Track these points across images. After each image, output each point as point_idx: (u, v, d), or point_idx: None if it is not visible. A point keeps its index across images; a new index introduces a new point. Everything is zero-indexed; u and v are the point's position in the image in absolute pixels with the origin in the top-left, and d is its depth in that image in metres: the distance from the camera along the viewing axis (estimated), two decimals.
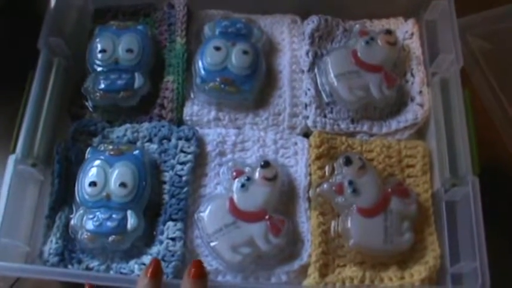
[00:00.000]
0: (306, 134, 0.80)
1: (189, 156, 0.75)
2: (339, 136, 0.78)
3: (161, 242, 0.71)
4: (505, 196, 0.83)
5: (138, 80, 0.78)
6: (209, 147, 0.77)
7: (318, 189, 0.74)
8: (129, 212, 0.70)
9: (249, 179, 0.73)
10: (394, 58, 0.82)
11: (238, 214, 0.71)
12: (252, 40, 0.82)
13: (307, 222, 0.74)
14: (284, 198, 0.75)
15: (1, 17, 0.91)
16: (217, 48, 0.80)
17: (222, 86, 0.78)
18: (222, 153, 0.78)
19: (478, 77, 0.89)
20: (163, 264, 0.68)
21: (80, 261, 0.71)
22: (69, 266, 0.70)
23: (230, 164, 0.75)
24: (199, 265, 0.61)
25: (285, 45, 0.85)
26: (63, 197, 0.74)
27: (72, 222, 0.72)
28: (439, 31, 0.81)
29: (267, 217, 0.71)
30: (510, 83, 0.88)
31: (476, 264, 0.66)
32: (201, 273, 0.60)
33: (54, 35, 0.79)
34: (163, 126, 0.77)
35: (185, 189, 0.74)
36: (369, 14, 0.88)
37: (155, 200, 0.74)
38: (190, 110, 0.80)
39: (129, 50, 0.80)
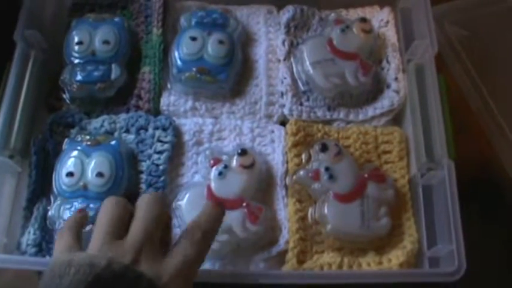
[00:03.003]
0: (283, 123, 0.80)
1: (166, 146, 0.76)
2: (316, 124, 0.79)
3: None
4: (481, 180, 0.83)
5: (115, 71, 0.79)
6: (186, 137, 0.78)
7: (294, 177, 0.74)
8: None
9: (226, 166, 0.73)
10: (370, 46, 0.82)
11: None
12: (228, 30, 0.82)
13: (285, 210, 0.74)
14: (261, 186, 0.75)
15: None
16: (193, 39, 0.80)
17: (198, 75, 0.78)
18: (199, 143, 0.78)
19: (456, 63, 0.89)
20: None
21: None
22: (47, 257, 0.70)
23: (208, 152, 0.75)
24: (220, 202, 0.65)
25: (261, 35, 0.86)
26: (40, 188, 0.74)
27: (49, 213, 0.72)
28: (414, 18, 0.82)
29: (244, 204, 0.71)
30: (487, 69, 0.89)
31: (452, 247, 0.66)
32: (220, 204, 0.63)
33: (31, 28, 0.79)
34: (140, 117, 0.77)
35: (162, 178, 0.74)
36: (344, 3, 0.88)
37: (132, 190, 0.74)
38: (167, 100, 0.80)
39: (106, 42, 0.80)
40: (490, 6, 0.93)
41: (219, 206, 0.62)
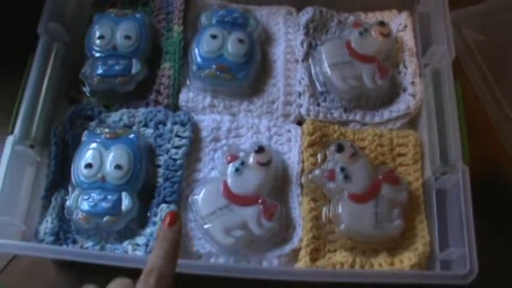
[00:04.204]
0: (300, 122, 0.81)
1: (184, 141, 0.77)
2: (332, 124, 0.79)
3: (155, 223, 0.72)
4: (495, 185, 0.84)
5: (135, 66, 0.80)
6: (204, 133, 0.79)
7: (310, 176, 0.75)
8: (123, 194, 0.72)
9: (243, 163, 0.74)
10: (388, 49, 0.83)
11: (232, 198, 0.72)
12: (248, 29, 0.83)
13: (299, 208, 0.75)
14: (277, 184, 0.76)
15: (4, 2, 0.93)
16: (214, 36, 0.81)
17: (218, 73, 0.79)
18: (216, 139, 0.79)
19: (473, 68, 0.89)
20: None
21: (74, 241, 0.72)
22: (64, 246, 0.71)
23: (225, 148, 0.76)
24: (173, 214, 0.61)
25: (280, 36, 0.87)
26: (59, 178, 0.75)
27: (67, 203, 0.73)
28: (432, 23, 0.82)
29: (260, 201, 0.72)
30: (504, 75, 0.89)
31: (464, 250, 0.67)
32: (173, 220, 0.60)
33: (54, 21, 0.80)
34: (159, 111, 0.78)
35: (179, 173, 0.75)
36: (363, 6, 0.89)
37: (149, 183, 0.75)
38: (186, 97, 0.81)
39: (127, 37, 0.81)
40: (508, 12, 0.93)
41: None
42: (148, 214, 0.73)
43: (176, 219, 0.60)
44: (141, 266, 0.62)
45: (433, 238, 0.73)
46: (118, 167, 0.72)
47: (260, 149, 0.74)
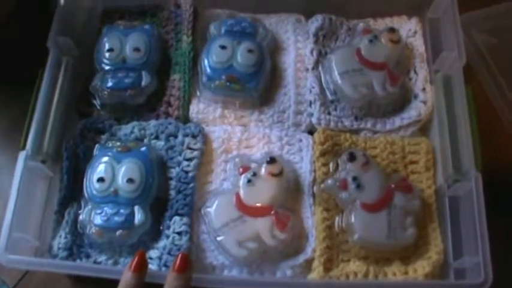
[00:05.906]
0: (311, 131, 0.81)
1: (195, 153, 0.77)
2: (343, 133, 0.79)
3: (167, 237, 0.72)
4: (508, 192, 0.83)
5: (145, 79, 0.80)
6: (215, 144, 0.78)
7: (322, 185, 0.75)
8: (136, 207, 0.72)
9: (255, 174, 0.74)
10: (398, 56, 0.83)
11: (245, 209, 0.72)
12: (257, 39, 0.83)
13: (312, 218, 0.74)
14: (289, 194, 0.76)
15: (15, 17, 0.94)
16: (223, 47, 0.81)
17: (228, 83, 0.79)
18: (227, 150, 0.79)
19: (484, 72, 0.89)
20: (169, 258, 0.70)
21: (88, 256, 0.72)
22: (78, 261, 0.72)
23: (237, 160, 0.76)
24: (184, 259, 0.62)
25: (289, 44, 0.86)
26: (71, 193, 0.75)
27: (80, 217, 0.73)
28: (442, 29, 0.82)
29: (272, 212, 0.72)
30: None
31: (478, 259, 0.66)
32: (184, 267, 0.62)
33: (63, 35, 0.81)
34: (170, 124, 0.78)
35: (191, 185, 0.75)
36: (372, 12, 0.89)
37: (162, 196, 0.75)
38: (197, 108, 0.81)
39: (136, 49, 0.81)
40: None
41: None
42: (161, 227, 0.74)
43: (187, 266, 0.61)
44: (154, 281, 0.63)
45: (446, 246, 0.73)
46: (130, 180, 0.72)
47: (272, 160, 0.74)
